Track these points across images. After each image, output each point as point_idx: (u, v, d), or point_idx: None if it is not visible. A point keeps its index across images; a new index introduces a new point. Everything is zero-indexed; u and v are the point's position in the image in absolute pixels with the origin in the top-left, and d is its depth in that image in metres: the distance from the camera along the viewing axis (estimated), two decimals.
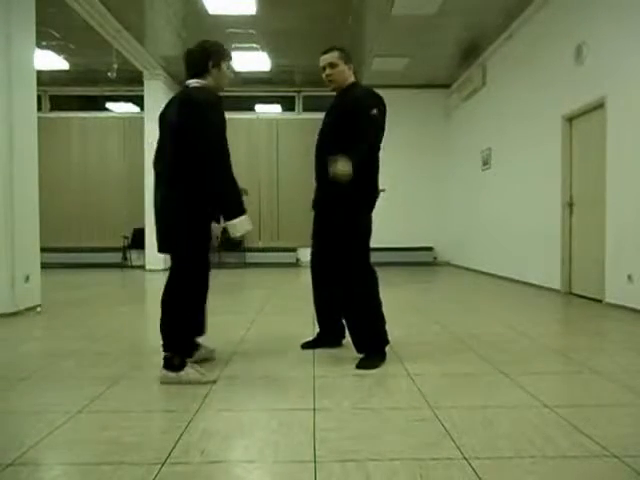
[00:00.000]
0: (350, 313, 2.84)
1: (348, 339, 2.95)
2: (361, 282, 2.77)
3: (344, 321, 2.97)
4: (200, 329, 2.73)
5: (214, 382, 2.45)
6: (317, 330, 3.18)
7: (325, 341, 3.12)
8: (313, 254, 3.05)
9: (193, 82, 2.54)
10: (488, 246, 8.13)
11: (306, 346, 3.12)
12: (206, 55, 2.55)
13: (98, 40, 7.26)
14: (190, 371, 2.44)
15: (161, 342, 2.48)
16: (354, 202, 2.75)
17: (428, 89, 9.99)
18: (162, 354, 2.47)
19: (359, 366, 2.68)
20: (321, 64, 2.89)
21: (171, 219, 2.45)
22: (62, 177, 10.06)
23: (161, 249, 2.52)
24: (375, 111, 2.66)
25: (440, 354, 3.01)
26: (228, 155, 2.44)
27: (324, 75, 2.89)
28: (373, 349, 2.79)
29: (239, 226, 2.43)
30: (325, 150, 2.81)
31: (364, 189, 2.76)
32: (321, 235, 2.95)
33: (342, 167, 2.49)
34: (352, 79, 2.93)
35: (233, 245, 9.95)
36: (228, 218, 2.43)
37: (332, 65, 2.85)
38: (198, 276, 2.54)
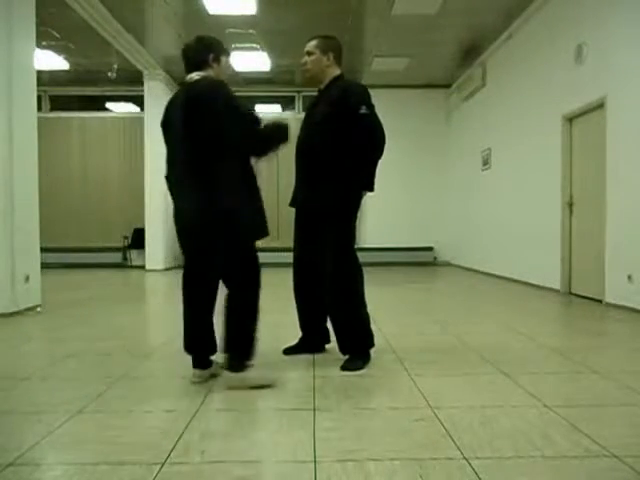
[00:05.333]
0: (336, 313, 2.74)
1: (332, 345, 2.90)
2: (349, 279, 2.70)
3: (328, 325, 2.90)
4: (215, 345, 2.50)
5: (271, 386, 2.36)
6: (300, 335, 3.04)
7: (308, 346, 2.99)
8: (297, 258, 2.91)
9: (194, 75, 2.38)
10: (488, 246, 8.12)
11: (288, 352, 2.96)
12: (206, 48, 2.44)
13: (98, 40, 7.25)
14: (253, 374, 2.35)
15: (224, 347, 2.33)
16: (343, 201, 2.69)
17: (428, 89, 9.98)
18: (223, 357, 2.35)
19: (343, 368, 2.64)
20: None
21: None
22: (62, 177, 10.05)
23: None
24: (364, 108, 2.58)
25: (440, 354, 3.01)
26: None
27: (301, 63, 2.79)
28: (357, 351, 2.73)
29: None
30: (315, 152, 2.73)
31: (350, 188, 2.70)
32: (307, 239, 2.82)
33: None
34: (335, 72, 2.77)
35: None
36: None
37: (308, 53, 2.75)
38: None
